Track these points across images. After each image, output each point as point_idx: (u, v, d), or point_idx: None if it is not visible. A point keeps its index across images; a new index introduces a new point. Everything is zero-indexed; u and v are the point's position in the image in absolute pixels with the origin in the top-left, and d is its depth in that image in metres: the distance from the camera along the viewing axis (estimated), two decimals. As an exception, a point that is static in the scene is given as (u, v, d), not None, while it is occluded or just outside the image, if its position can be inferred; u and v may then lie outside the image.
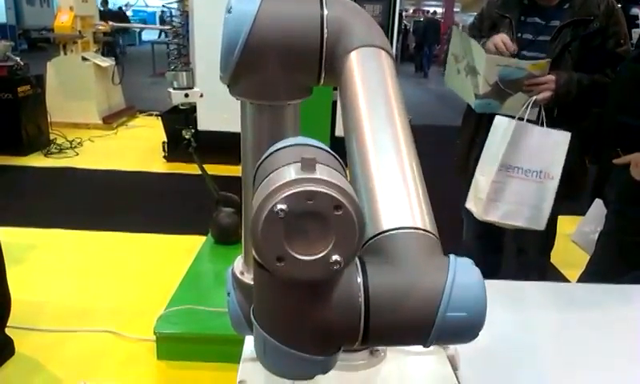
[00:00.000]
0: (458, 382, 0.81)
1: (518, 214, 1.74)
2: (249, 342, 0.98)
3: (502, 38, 1.70)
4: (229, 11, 0.59)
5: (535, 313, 1.12)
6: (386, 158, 0.52)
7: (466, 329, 0.45)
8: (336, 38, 0.60)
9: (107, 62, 5.97)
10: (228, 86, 0.63)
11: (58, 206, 3.62)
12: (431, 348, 0.82)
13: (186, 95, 2.53)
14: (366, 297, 0.44)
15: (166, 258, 2.84)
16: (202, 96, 2.58)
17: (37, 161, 4.59)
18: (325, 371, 0.47)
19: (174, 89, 2.54)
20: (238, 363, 0.90)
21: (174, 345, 2.01)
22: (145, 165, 4.54)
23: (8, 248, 2.04)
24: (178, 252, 2.85)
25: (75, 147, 4.92)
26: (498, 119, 1.74)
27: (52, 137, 5.04)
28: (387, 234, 0.47)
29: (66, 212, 3.46)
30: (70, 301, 2.41)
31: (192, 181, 3.71)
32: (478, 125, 1.89)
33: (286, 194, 0.39)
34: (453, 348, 0.85)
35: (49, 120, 5.08)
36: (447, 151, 2.35)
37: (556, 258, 2.03)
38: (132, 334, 2.14)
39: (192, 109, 3.52)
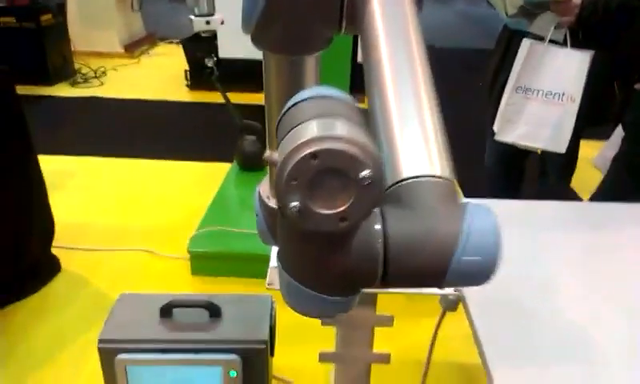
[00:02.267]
0: (466, 307, 0.90)
1: (537, 136, 1.78)
2: (274, 252, 1.09)
3: None
4: None
5: (548, 232, 1.19)
6: (406, 107, 0.52)
7: (480, 272, 0.46)
8: None
9: (126, -12, 5.92)
10: (251, 38, 0.65)
11: (89, 134, 3.75)
12: None
13: (207, 22, 2.56)
14: (385, 243, 0.45)
15: (193, 184, 2.97)
16: (222, 23, 2.61)
17: (64, 90, 4.68)
18: (346, 311, 0.50)
19: (195, 16, 2.57)
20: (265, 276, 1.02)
21: (206, 262, 2.16)
22: (168, 94, 4.61)
23: (46, 175, 2.17)
24: (204, 178, 2.97)
25: (100, 77, 4.99)
26: (523, 42, 1.74)
27: (77, 66, 5.10)
28: (406, 182, 0.48)
29: (97, 140, 3.60)
30: (108, 222, 2.59)
31: (215, 109, 3.79)
32: (507, 49, 1.90)
33: (309, 152, 0.40)
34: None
35: (72, 49, 5.13)
36: (474, 75, 2.36)
37: (576, 182, 2.08)
38: (167, 253, 2.31)
39: (213, 36, 3.53)
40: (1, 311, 1.95)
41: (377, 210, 0.46)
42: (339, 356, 1.03)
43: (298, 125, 0.42)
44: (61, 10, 5.01)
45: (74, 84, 4.82)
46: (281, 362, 1.56)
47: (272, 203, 0.77)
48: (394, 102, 0.53)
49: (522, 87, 1.74)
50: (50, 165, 2.71)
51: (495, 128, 1.83)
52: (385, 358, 1.02)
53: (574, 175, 2.09)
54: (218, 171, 2.87)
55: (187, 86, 4.68)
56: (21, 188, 1.98)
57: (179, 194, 2.88)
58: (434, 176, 0.48)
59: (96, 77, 4.97)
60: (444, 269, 0.45)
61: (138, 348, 1.37)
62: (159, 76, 5.14)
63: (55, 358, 1.79)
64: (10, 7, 4.55)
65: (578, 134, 1.78)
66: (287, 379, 1.71)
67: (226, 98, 2.77)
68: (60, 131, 3.80)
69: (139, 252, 2.31)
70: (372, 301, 0.94)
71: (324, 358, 1.06)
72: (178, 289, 2.11)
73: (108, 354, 1.38)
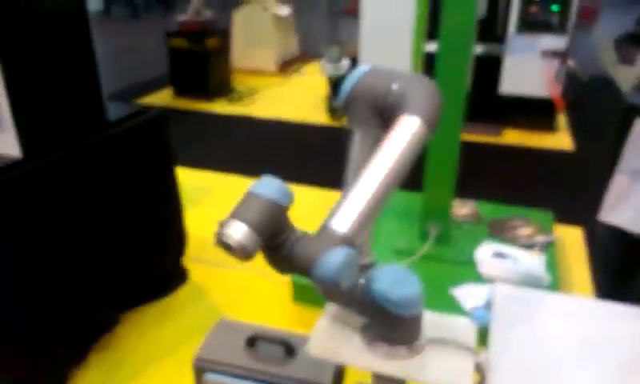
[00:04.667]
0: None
1: None
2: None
3: None
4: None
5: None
6: (366, 189, 0.92)
7: (326, 282, 0.84)
8: (398, 103, 0.99)
9: (285, 11, 6.38)
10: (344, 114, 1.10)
11: (233, 151, 4.18)
12: (461, 354, 1.00)
13: (336, 68, 2.75)
14: (291, 255, 0.90)
15: (319, 211, 3.16)
16: (350, 69, 2.79)
17: (220, 107, 5.23)
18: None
19: (326, 61, 2.78)
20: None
21: (305, 292, 2.33)
22: (311, 115, 4.92)
23: (187, 189, 2.51)
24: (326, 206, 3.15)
25: (252, 95, 5.49)
26: (636, 122, 1.64)
27: (235, 84, 5.65)
28: (325, 227, 0.90)
29: (239, 158, 4.00)
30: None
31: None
32: (623, 123, 1.78)
33: (221, 224, 0.87)
34: (483, 356, 0.99)
35: (231, 67, 5.68)
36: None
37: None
38: (274, 277, 2.52)
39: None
40: (131, 311, 2.31)
41: (299, 235, 0.92)
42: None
43: (230, 215, 0.89)
44: (225, 33, 5.60)
45: (230, 101, 5.36)
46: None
47: None
48: (359, 187, 0.94)
49: (632, 170, 1.65)
50: (192, 180, 3.11)
51: (603, 207, 1.74)
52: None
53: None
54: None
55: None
56: (161, 212, 2.33)
57: (303, 219, 3.09)
58: (338, 231, 0.88)
59: (249, 95, 5.47)
60: (309, 273, 0.86)
61: (223, 370, 1.59)
62: (304, 97, 5.48)
63: (170, 356, 2.12)
64: (182, 32, 5.21)
65: None
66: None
67: (343, 127, 2.93)
68: (211, 144, 4.30)
69: (252, 272, 2.57)
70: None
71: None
72: (277, 313, 2.32)
73: (200, 370, 1.62)
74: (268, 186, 0.89)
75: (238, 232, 0.84)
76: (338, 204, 0.91)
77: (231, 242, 0.83)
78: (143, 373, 2.04)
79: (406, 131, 0.95)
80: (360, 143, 1.08)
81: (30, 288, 1.76)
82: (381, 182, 0.92)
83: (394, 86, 0.99)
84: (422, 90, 0.99)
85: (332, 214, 0.90)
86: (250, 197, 0.89)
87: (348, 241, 0.86)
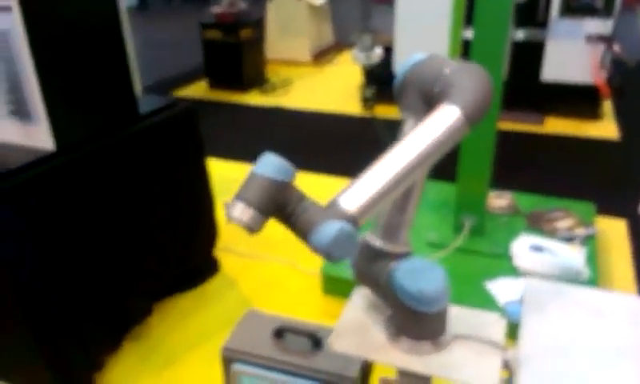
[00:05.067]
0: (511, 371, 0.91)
1: None
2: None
3: None
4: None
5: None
6: (383, 172, 0.92)
7: (318, 251, 0.86)
8: (443, 91, 0.96)
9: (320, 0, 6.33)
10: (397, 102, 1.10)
11: (265, 142, 4.16)
12: (489, 350, 0.96)
13: (368, 57, 2.71)
14: (296, 221, 0.90)
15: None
16: (381, 58, 2.74)
17: (254, 98, 5.23)
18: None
19: (358, 50, 2.74)
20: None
21: (336, 284, 2.30)
22: (345, 106, 4.86)
23: (219, 180, 2.51)
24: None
25: (286, 86, 5.47)
26: None
27: (268, 75, 5.65)
28: (333, 201, 0.90)
29: (273, 149, 3.90)
30: (264, 232, 2.88)
31: (391, 125, 3.91)
32: None
33: (227, 205, 0.90)
34: (512, 353, 0.94)
35: (265, 58, 5.67)
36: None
37: None
38: (306, 268, 2.50)
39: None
40: (163, 302, 2.33)
41: (304, 207, 0.90)
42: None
43: (234, 196, 0.90)
44: (259, 24, 5.59)
45: (263, 92, 5.36)
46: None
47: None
48: (384, 163, 0.93)
49: None
50: (225, 171, 3.10)
51: None
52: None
53: None
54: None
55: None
56: (192, 203, 2.34)
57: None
58: (344, 208, 0.88)
59: (283, 86, 5.46)
60: (306, 241, 0.88)
61: (250, 361, 1.59)
62: (338, 87, 5.43)
63: (200, 346, 2.13)
64: (217, 23, 5.23)
65: None
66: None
67: (375, 119, 2.88)
68: (244, 135, 4.30)
69: (282, 263, 2.56)
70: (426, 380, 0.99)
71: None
72: (307, 305, 2.30)
73: (227, 361, 1.62)
74: (268, 165, 0.92)
75: (241, 212, 0.88)
76: (353, 181, 0.92)
77: (236, 221, 0.88)
78: (174, 362, 2.06)
79: (442, 120, 0.92)
80: (409, 131, 1.04)
81: (64, 277, 1.79)
82: (401, 167, 0.91)
83: (442, 75, 0.97)
84: (471, 81, 0.94)
85: (344, 190, 0.91)
86: (251, 177, 0.91)
87: (351, 218, 0.87)
